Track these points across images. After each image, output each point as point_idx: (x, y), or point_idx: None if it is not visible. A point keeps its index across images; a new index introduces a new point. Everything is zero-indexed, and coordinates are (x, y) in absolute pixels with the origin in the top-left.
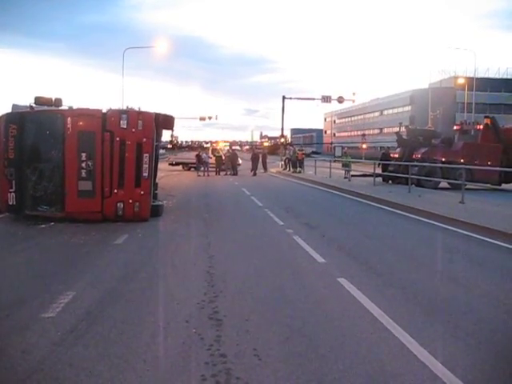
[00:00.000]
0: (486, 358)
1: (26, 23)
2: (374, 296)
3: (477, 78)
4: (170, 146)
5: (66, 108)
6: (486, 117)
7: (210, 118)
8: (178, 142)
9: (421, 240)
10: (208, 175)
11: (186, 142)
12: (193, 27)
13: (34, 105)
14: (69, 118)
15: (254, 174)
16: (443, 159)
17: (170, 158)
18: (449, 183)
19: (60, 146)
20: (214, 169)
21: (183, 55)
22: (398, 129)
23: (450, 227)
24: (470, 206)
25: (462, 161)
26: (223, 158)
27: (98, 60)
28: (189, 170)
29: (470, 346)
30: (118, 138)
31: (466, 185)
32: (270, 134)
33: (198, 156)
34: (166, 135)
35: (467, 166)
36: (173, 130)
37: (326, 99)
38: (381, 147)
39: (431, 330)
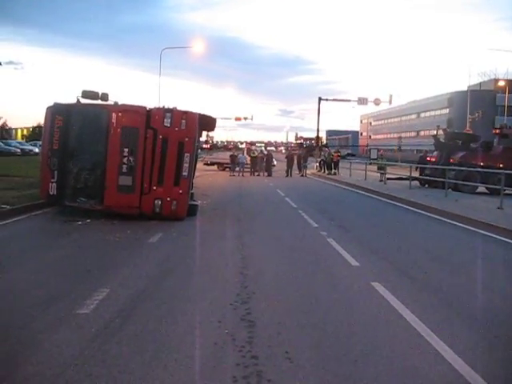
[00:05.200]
0: None
1: (66, 23)
2: (408, 301)
3: None
4: (207, 146)
5: (112, 103)
6: None
7: (245, 118)
8: (213, 142)
9: (457, 245)
10: (243, 175)
11: (222, 142)
12: (230, 28)
13: (80, 98)
14: (114, 114)
15: (289, 175)
16: (482, 163)
17: (206, 158)
18: (487, 188)
19: (103, 140)
20: (249, 169)
21: (220, 56)
22: (435, 132)
23: (487, 233)
24: (509, 212)
25: (501, 165)
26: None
27: (135, 60)
28: (224, 170)
29: (509, 356)
30: (160, 136)
31: (505, 190)
32: (305, 135)
33: (231, 156)
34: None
35: (507, 171)
36: (208, 132)
37: (363, 101)
38: (417, 150)
39: (467, 338)
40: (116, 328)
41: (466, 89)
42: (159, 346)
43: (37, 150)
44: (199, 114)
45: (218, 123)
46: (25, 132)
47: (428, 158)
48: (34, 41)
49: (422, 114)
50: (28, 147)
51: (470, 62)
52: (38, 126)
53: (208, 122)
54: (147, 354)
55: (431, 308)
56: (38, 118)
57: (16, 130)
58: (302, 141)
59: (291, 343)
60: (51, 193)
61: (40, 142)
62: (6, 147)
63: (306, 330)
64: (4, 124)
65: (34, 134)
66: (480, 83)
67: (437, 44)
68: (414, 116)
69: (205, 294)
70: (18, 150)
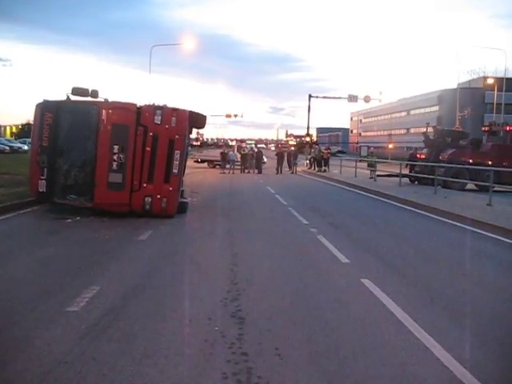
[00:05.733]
0: None
1: (56, 20)
2: (397, 298)
3: (507, 78)
4: (198, 143)
5: (102, 100)
6: None
7: (235, 115)
8: (203, 139)
9: (446, 242)
10: (233, 173)
11: (212, 139)
12: (220, 25)
13: (70, 95)
14: (104, 111)
15: (280, 173)
16: (471, 161)
17: (196, 156)
18: (476, 185)
19: (93, 137)
20: (240, 167)
21: (210, 53)
22: (425, 129)
23: (476, 230)
24: (498, 209)
25: (490, 162)
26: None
27: (125, 56)
28: (214, 167)
29: (496, 352)
30: (151, 133)
31: (493, 187)
32: (296, 133)
33: (222, 154)
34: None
35: (495, 168)
36: (198, 129)
37: (353, 98)
38: (407, 147)
39: (456, 334)
40: (106, 325)
41: (455, 86)
42: (149, 344)
43: (26, 147)
44: (189, 112)
45: (209, 120)
46: (14, 129)
47: (418, 156)
48: (23, 37)
49: (412, 112)
50: (17, 145)
51: (459, 60)
52: (28, 124)
53: (198, 120)
54: (137, 351)
55: (420, 304)
56: (27, 115)
57: (5, 127)
58: (292, 138)
59: (281, 340)
60: (41, 190)
61: (29, 140)
62: None
63: (296, 327)
64: None
65: (24, 131)
66: (469, 81)
67: (427, 42)
68: (404, 113)
69: (195, 291)
70: (7, 148)
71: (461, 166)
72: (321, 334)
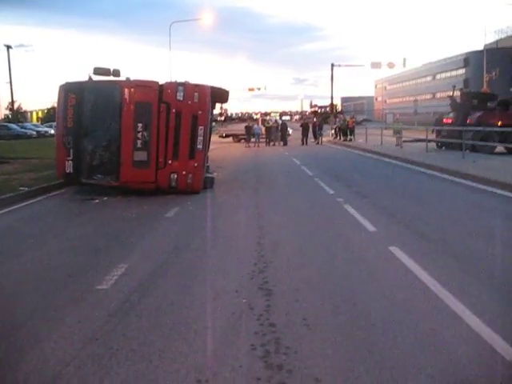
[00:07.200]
0: None
1: (75, 3)
2: (426, 265)
3: None
4: (222, 118)
5: (124, 79)
6: None
7: (258, 88)
8: (227, 114)
9: (475, 207)
10: (258, 146)
11: (236, 113)
12: None
13: (92, 75)
14: (126, 89)
15: (305, 144)
16: (500, 123)
17: (221, 131)
18: (505, 148)
19: (117, 117)
20: (265, 140)
21: (230, 27)
22: (451, 93)
23: (506, 193)
24: None
25: None
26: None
27: (146, 36)
28: (239, 141)
29: None
30: (173, 110)
31: None
32: (320, 103)
33: (246, 128)
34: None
35: None
36: (222, 103)
37: (376, 65)
38: (434, 113)
39: (486, 299)
40: (135, 302)
41: (481, 48)
42: (178, 318)
43: (52, 131)
44: (211, 87)
45: (232, 95)
46: (40, 114)
47: (444, 120)
48: (43, 22)
49: (438, 76)
50: (43, 129)
51: (485, 20)
52: (53, 108)
53: (221, 94)
54: (166, 326)
55: (450, 271)
56: (52, 99)
57: (31, 112)
58: (316, 108)
59: (309, 310)
60: (68, 171)
61: (55, 124)
62: (22, 130)
63: (323, 297)
64: (19, 107)
65: (49, 115)
66: (497, 41)
67: (450, 2)
68: (429, 78)
69: (222, 264)
70: (34, 133)
71: (489, 128)
72: (349, 303)
